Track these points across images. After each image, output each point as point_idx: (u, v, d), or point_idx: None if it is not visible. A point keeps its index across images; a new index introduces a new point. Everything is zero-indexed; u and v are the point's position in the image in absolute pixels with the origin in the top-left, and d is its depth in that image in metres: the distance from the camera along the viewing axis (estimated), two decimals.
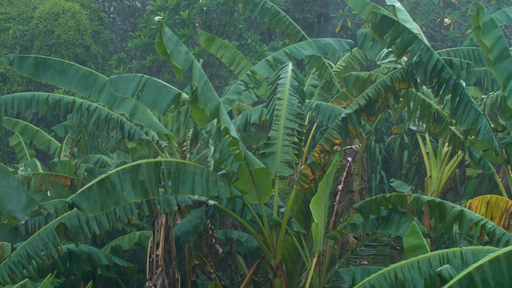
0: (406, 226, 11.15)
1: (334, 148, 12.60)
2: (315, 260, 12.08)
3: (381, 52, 14.50)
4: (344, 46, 16.46)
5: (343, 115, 12.77)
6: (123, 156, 18.65)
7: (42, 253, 12.03)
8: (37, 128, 20.66)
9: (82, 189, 10.86)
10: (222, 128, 11.84)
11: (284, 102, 12.92)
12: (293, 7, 30.79)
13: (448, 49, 17.80)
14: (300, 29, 17.88)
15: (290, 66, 13.65)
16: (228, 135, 11.88)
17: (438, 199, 10.69)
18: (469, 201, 12.59)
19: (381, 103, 13.17)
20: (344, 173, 13.60)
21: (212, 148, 13.71)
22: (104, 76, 14.82)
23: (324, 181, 12.36)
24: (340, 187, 13.15)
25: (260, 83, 15.63)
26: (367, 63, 19.48)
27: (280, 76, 13.23)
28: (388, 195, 11.26)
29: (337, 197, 13.04)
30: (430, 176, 15.65)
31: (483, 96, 14.98)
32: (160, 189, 11.63)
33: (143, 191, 11.33)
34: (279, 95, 12.91)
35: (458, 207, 10.50)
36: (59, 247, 12.27)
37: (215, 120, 12.04)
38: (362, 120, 13.17)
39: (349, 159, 13.52)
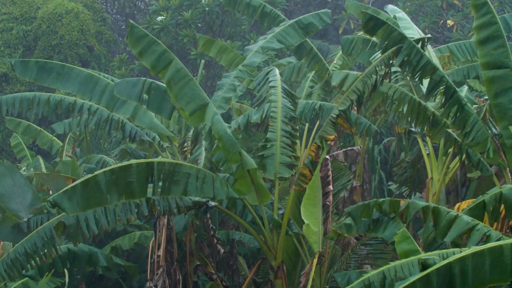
0: (391, 229, 11.10)
1: (328, 142, 12.54)
2: (315, 261, 12.07)
3: (375, 55, 14.49)
4: (324, 20, 16.30)
5: (336, 112, 12.72)
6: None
7: (41, 252, 12.02)
8: (40, 128, 20.67)
9: (65, 188, 10.88)
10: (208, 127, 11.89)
11: (278, 104, 12.91)
12: (298, 9, 30.76)
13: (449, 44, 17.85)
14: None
15: (276, 70, 13.59)
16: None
17: (433, 204, 10.60)
18: (458, 204, 12.56)
19: (370, 95, 13.12)
20: (330, 173, 13.52)
21: (203, 148, 13.74)
22: (106, 79, 14.85)
23: (312, 181, 12.30)
24: (331, 187, 13.10)
25: (251, 74, 15.59)
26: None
27: (270, 79, 13.15)
28: (381, 200, 11.15)
29: (330, 198, 12.99)
30: (432, 178, 15.62)
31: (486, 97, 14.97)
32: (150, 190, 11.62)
33: (128, 192, 11.29)
34: (273, 97, 12.87)
35: (453, 212, 10.44)
36: (57, 246, 12.25)
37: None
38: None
39: (327, 157, 13.46)
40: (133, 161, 11.55)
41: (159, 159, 11.83)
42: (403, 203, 10.98)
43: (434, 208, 10.54)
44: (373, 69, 12.90)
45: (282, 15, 17.89)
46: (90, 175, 11.11)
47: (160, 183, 11.57)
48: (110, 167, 11.34)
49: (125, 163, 11.48)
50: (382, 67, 12.99)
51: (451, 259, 8.82)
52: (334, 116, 12.61)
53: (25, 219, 14.09)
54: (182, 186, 11.75)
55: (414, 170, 17.51)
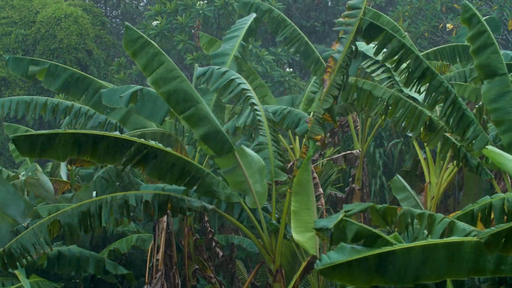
0: None
1: (316, 143, 12.46)
2: (304, 263, 12.07)
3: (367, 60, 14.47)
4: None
5: (321, 111, 12.64)
6: None
7: (35, 249, 11.94)
8: None
9: (32, 133, 11.00)
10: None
11: (260, 108, 12.88)
12: (299, 14, 30.70)
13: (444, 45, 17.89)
14: (304, 36, 17.89)
15: (234, 72, 13.47)
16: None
17: (428, 212, 10.56)
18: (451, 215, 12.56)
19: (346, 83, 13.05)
20: (315, 175, 13.45)
21: None
22: (99, 81, 14.88)
23: (298, 185, 12.21)
24: (320, 189, 13.06)
25: None
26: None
27: (238, 81, 13.01)
28: (378, 206, 11.06)
29: (321, 200, 12.94)
30: (430, 182, 15.57)
31: None
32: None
33: (91, 155, 11.35)
34: (253, 100, 12.79)
35: (448, 219, 10.41)
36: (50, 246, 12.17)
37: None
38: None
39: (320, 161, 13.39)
40: (115, 134, 11.62)
41: (142, 140, 11.84)
42: (399, 210, 10.89)
43: (430, 215, 10.47)
44: (345, 57, 12.75)
45: (288, 20, 17.96)
46: (60, 131, 11.17)
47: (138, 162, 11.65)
48: (85, 131, 11.44)
49: (103, 132, 11.56)
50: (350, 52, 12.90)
51: (396, 247, 8.85)
52: (320, 115, 12.53)
53: (25, 224, 14.09)
54: (159, 172, 11.82)
55: (411, 175, 17.51)
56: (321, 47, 26.89)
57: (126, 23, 12.32)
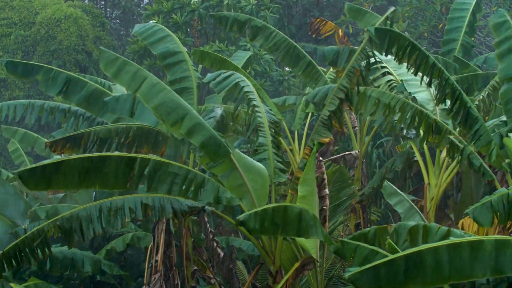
0: None
1: (324, 145, 12.49)
2: (297, 264, 12.11)
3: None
4: None
5: (326, 113, 12.66)
6: None
7: (34, 252, 11.96)
8: (37, 135, 20.65)
9: (35, 165, 10.94)
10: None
11: (261, 109, 12.88)
12: (300, 13, 30.69)
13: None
14: (293, 42, 17.54)
15: (237, 74, 13.49)
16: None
17: (422, 223, 10.56)
18: (461, 220, 12.59)
19: (356, 88, 13.07)
20: (324, 176, 13.45)
21: None
22: (93, 84, 14.94)
23: (305, 184, 12.22)
24: (326, 190, 13.05)
25: None
26: None
27: (241, 84, 13.00)
28: (366, 230, 10.99)
29: (326, 201, 12.93)
30: (429, 183, 15.54)
31: None
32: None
33: (101, 182, 11.34)
34: (255, 102, 12.81)
35: (445, 228, 10.40)
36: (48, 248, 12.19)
37: None
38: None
39: (321, 159, 13.39)
40: (115, 153, 11.61)
41: (143, 155, 11.84)
42: (390, 228, 10.84)
43: (424, 227, 10.46)
44: (355, 63, 12.80)
45: (272, 27, 17.59)
46: (64, 158, 11.12)
47: (140, 179, 11.62)
48: (87, 155, 11.37)
49: (104, 153, 11.60)
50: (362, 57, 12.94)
51: (422, 247, 8.85)
52: (325, 117, 12.54)
53: (24, 225, 14.11)
54: (167, 185, 11.79)
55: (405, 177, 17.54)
56: (323, 47, 26.76)
57: (101, 47, 12.52)
